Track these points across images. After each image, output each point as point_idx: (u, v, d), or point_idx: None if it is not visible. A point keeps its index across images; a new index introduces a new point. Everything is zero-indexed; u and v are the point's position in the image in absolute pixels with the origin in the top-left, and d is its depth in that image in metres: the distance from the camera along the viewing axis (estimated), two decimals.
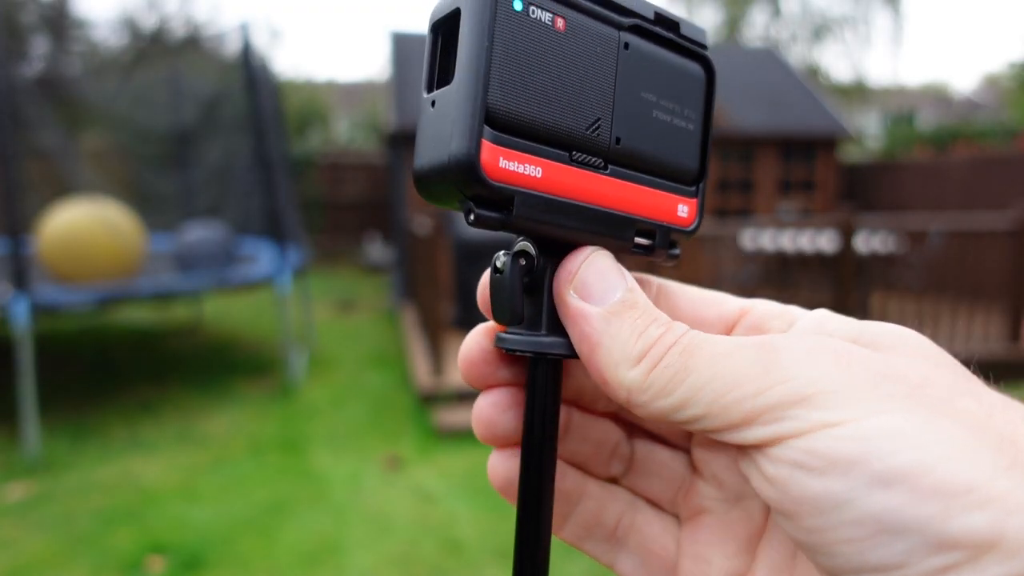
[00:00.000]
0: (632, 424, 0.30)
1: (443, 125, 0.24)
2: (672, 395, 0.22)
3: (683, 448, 0.29)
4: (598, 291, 0.24)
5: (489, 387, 0.28)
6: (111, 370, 5.19)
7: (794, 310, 0.27)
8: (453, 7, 0.24)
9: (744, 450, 0.22)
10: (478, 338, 0.28)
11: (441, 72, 0.25)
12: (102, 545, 2.65)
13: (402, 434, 3.81)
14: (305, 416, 4.16)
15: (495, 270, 0.26)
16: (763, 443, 0.20)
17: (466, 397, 4.02)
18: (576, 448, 0.29)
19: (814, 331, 0.24)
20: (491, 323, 0.28)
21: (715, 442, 0.27)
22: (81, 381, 4.85)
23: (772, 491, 0.20)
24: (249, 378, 4.92)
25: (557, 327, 0.26)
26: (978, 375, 0.23)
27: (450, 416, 3.82)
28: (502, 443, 0.28)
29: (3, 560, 2.56)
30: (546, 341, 0.26)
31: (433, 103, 0.24)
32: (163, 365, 5.35)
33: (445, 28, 0.25)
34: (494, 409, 0.28)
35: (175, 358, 5.62)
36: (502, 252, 0.27)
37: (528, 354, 0.26)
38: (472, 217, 0.24)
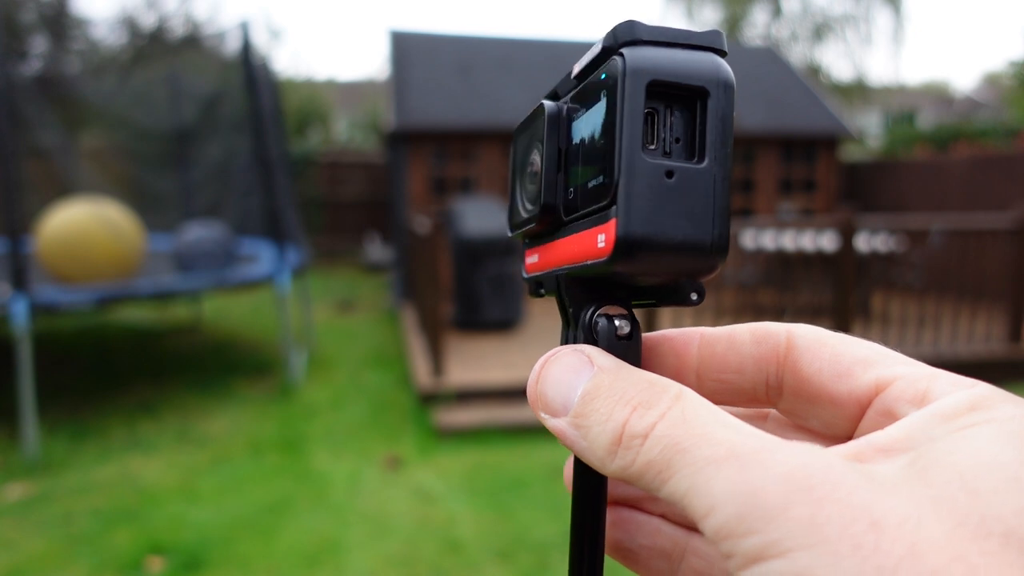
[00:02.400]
0: None
1: (692, 203, 0.23)
2: (662, 491, 0.19)
3: None
4: (560, 403, 0.23)
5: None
6: (110, 370, 5.18)
7: (936, 388, 0.20)
8: (696, 83, 0.24)
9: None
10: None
11: (661, 141, 0.24)
12: (101, 545, 2.64)
13: (402, 434, 3.80)
14: (305, 416, 4.16)
15: (621, 337, 0.26)
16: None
17: (466, 397, 4.01)
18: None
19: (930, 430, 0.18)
20: None
21: None
22: (80, 381, 4.85)
23: None
24: (249, 378, 4.91)
25: None
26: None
27: (450, 416, 3.82)
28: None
29: (2, 560, 2.55)
30: None
31: (670, 173, 0.24)
32: (162, 365, 5.34)
33: (665, 92, 0.24)
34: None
35: (174, 358, 5.62)
36: (611, 317, 0.26)
37: None
38: (701, 298, 0.25)
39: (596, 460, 0.21)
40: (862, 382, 0.22)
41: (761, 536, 0.16)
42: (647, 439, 0.20)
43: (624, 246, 0.23)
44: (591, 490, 0.26)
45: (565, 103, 0.28)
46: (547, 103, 0.28)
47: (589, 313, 0.26)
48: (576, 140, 0.27)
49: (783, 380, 0.24)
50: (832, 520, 0.16)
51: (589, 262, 0.25)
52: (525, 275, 0.32)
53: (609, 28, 0.25)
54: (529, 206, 0.29)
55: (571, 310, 0.27)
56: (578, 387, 0.23)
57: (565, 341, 0.27)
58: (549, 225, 0.28)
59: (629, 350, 0.25)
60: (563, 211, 0.27)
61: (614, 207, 0.24)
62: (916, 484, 0.17)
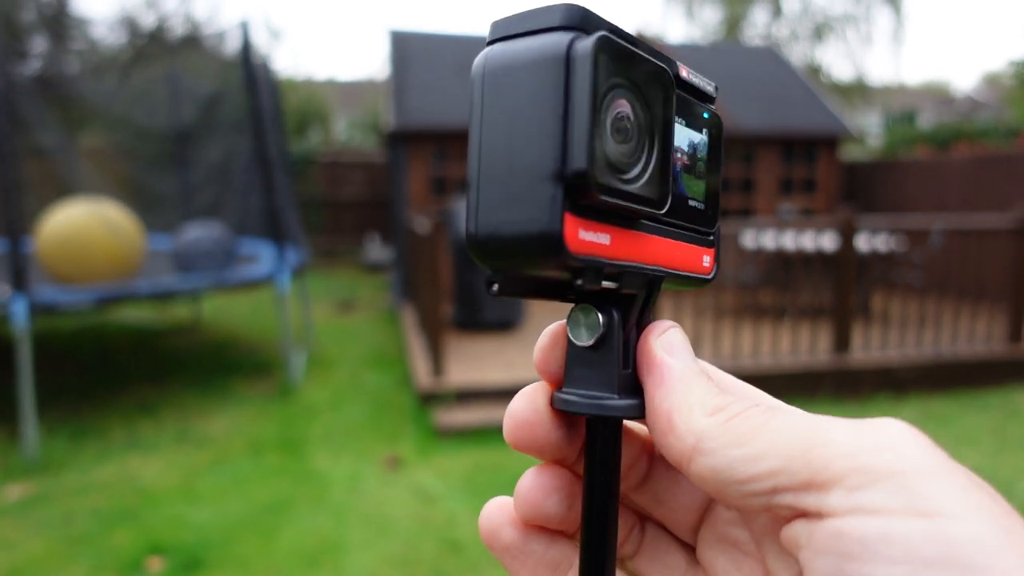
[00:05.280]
0: (642, 514, 0.30)
1: None
2: (747, 445, 0.21)
3: (689, 544, 0.29)
4: (682, 353, 0.25)
5: (538, 449, 0.28)
6: (110, 370, 5.18)
7: None
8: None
9: (806, 517, 0.20)
10: (532, 397, 0.28)
11: None
12: (101, 546, 2.64)
13: (402, 434, 3.80)
14: (304, 416, 4.15)
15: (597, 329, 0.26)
16: (843, 510, 0.19)
17: (466, 397, 4.01)
18: None
19: None
20: (542, 384, 0.28)
21: (723, 540, 0.27)
22: (80, 381, 4.84)
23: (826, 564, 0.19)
24: (248, 378, 4.91)
25: (626, 387, 0.26)
26: None
27: (450, 416, 3.81)
28: (546, 523, 0.28)
29: (2, 560, 2.55)
30: (617, 404, 0.25)
31: None
32: (162, 365, 5.34)
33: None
34: (541, 492, 0.28)
35: (174, 358, 5.62)
36: (588, 311, 0.26)
37: (591, 415, 0.26)
38: None
39: (685, 406, 0.23)
40: None
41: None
42: (738, 417, 0.22)
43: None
44: (603, 505, 0.26)
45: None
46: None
47: (643, 318, 0.27)
48: (679, 144, 0.27)
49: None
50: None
51: (692, 274, 0.28)
52: (590, 256, 0.23)
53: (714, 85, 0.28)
54: (640, 173, 0.24)
55: (643, 310, 0.27)
56: (696, 361, 0.26)
57: (608, 336, 0.26)
58: (646, 212, 0.25)
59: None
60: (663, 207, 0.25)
61: (712, 238, 0.29)
62: None
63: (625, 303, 0.26)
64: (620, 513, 0.28)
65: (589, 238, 0.23)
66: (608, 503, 0.26)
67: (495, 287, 0.25)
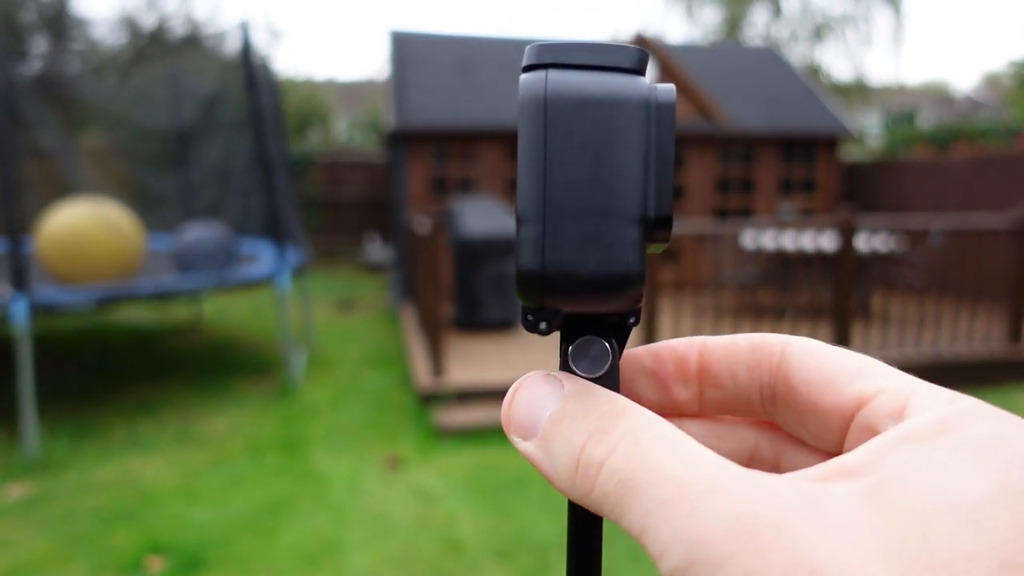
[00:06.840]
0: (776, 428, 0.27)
1: None
2: (621, 523, 0.19)
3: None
4: (529, 425, 0.22)
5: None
6: (110, 370, 5.18)
7: (915, 402, 0.20)
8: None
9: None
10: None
11: None
12: (101, 545, 2.64)
13: (402, 434, 3.80)
14: (305, 416, 4.16)
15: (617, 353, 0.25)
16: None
17: (466, 397, 4.01)
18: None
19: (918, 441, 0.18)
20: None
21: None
22: (80, 381, 4.85)
23: None
24: (249, 378, 4.91)
25: None
26: None
27: (450, 416, 3.82)
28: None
29: (2, 560, 2.55)
30: None
31: None
32: (162, 365, 5.34)
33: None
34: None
35: (174, 358, 5.62)
36: (593, 342, 0.25)
37: None
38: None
39: (561, 484, 0.21)
40: (846, 394, 0.22)
41: None
42: (602, 469, 0.19)
43: None
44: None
45: None
46: None
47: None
48: None
49: (776, 390, 0.24)
50: (772, 569, 0.16)
51: None
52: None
53: None
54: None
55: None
56: (547, 409, 0.22)
57: (613, 366, 0.25)
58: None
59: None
60: None
61: None
62: (869, 516, 0.16)
63: (621, 333, 0.25)
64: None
65: None
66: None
67: (543, 325, 0.24)
